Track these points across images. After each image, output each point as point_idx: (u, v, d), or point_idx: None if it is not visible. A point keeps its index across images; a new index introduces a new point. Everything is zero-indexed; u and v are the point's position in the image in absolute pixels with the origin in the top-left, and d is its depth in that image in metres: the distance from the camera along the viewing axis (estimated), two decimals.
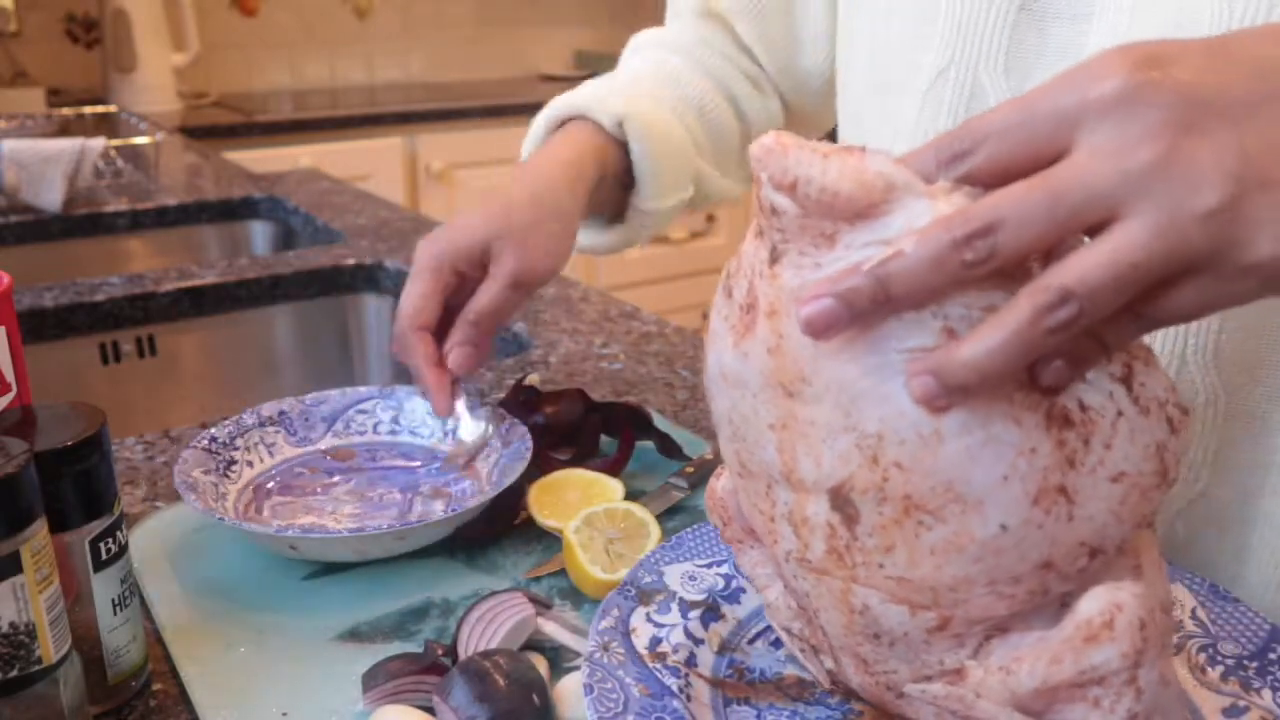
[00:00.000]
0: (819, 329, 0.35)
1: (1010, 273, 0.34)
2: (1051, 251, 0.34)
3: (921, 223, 0.34)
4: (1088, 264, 0.32)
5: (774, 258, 0.37)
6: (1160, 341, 0.52)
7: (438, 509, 0.65)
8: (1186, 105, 0.32)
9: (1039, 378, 0.34)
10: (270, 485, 0.68)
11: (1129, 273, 0.32)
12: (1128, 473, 0.36)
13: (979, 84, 0.57)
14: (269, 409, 0.72)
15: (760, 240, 0.38)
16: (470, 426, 0.72)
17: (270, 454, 0.71)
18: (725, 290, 0.40)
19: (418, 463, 0.71)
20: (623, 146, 0.74)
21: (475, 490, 0.67)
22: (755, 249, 0.38)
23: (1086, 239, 0.33)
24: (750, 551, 0.48)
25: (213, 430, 0.69)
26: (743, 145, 0.83)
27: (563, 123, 0.75)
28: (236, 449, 0.69)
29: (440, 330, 0.69)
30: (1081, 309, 0.32)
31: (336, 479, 0.70)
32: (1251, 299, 0.34)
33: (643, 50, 0.84)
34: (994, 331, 0.33)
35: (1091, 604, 0.36)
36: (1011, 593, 0.37)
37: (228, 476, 0.67)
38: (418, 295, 0.67)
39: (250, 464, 0.69)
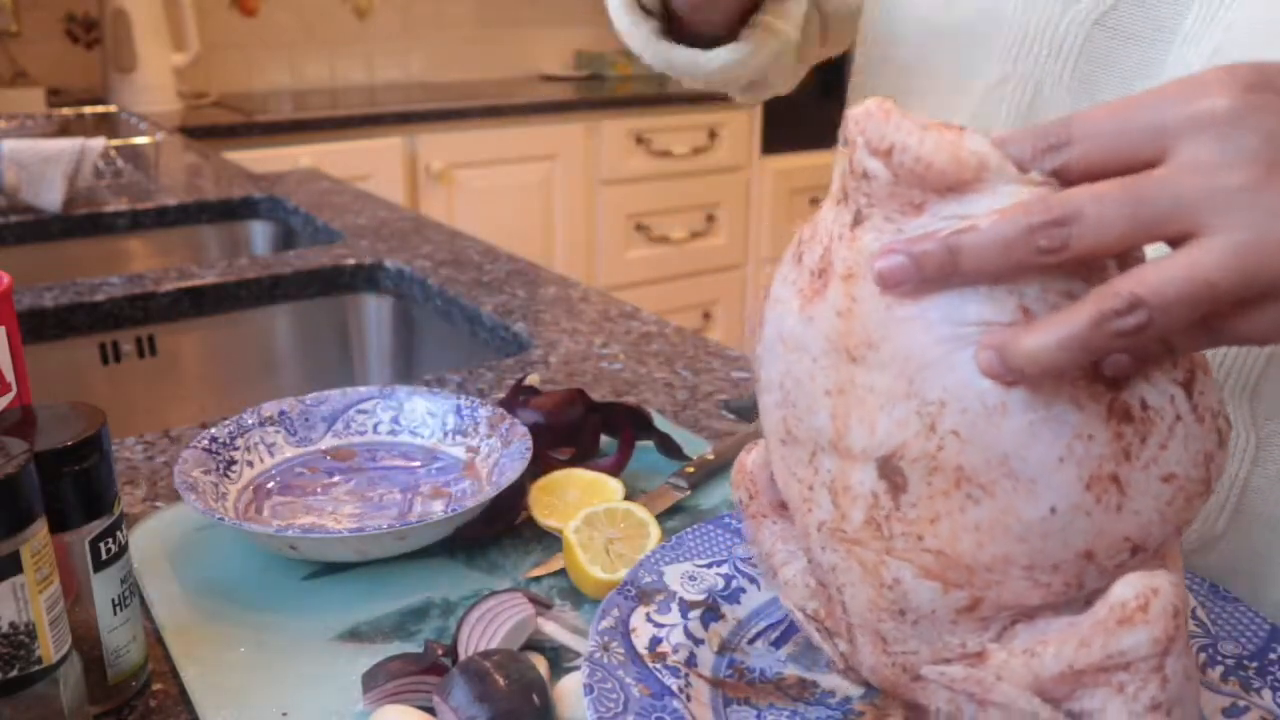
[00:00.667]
0: (889, 283, 0.36)
1: (1093, 265, 0.35)
2: (1128, 256, 0.35)
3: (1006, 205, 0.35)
4: (1164, 275, 0.32)
5: (857, 220, 0.38)
6: None
7: (437, 509, 0.65)
8: None
9: (1102, 365, 0.35)
10: (270, 485, 0.68)
11: (1204, 290, 0.32)
12: (1178, 475, 0.36)
13: (1040, 95, 0.55)
14: (269, 409, 0.72)
15: (843, 207, 0.39)
16: None
17: (270, 454, 0.71)
18: (795, 257, 0.41)
19: (418, 463, 0.71)
20: None
21: (475, 490, 0.67)
22: (835, 215, 0.39)
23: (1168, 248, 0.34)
24: (772, 526, 0.48)
25: (213, 430, 0.69)
26: (819, 32, 0.76)
27: None
28: (236, 449, 0.69)
29: None
30: (1150, 319, 0.32)
31: (336, 479, 0.70)
32: None
33: None
34: (1058, 327, 0.33)
35: (1126, 588, 0.36)
36: (1048, 581, 0.38)
37: (228, 476, 0.67)
38: None
39: (250, 464, 0.69)
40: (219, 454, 0.68)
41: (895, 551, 0.40)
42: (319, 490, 0.68)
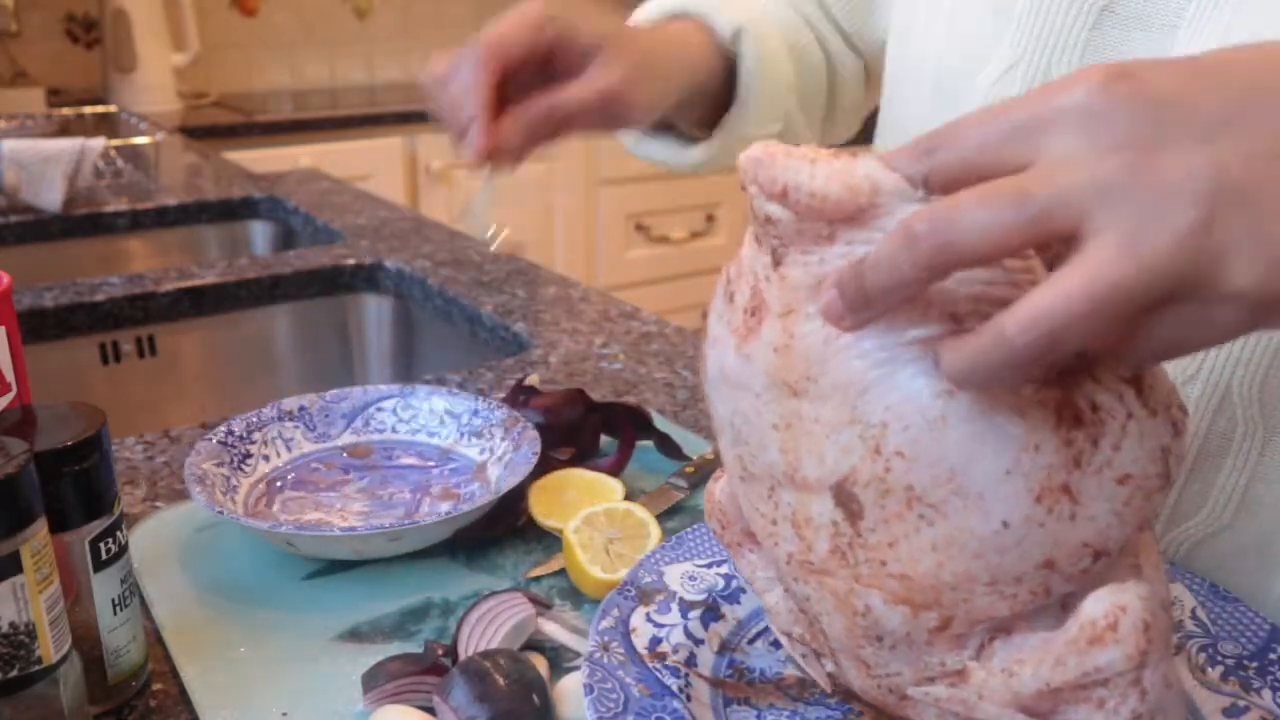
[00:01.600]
0: (831, 318, 0.35)
1: (1021, 268, 0.34)
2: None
3: None
4: (1063, 288, 0.30)
5: (776, 260, 0.38)
6: (1207, 372, 0.51)
7: (444, 510, 0.65)
8: (1155, 118, 0.31)
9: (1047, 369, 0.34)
10: (285, 480, 0.69)
11: (1109, 295, 0.30)
12: (1133, 475, 0.36)
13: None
14: (290, 404, 0.73)
15: (760, 246, 0.39)
16: (484, 207, 0.67)
17: (288, 448, 0.71)
18: (726, 295, 0.41)
19: (432, 463, 0.71)
20: (727, 61, 0.69)
21: (485, 492, 0.67)
22: (755, 254, 0.39)
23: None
24: (749, 555, 0.48)
25: (231, 423, 0.69)
26: (829, 97, 0.78)
27: (670, 19, 0.70)
28: (253, 442, 0.69)
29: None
30: (1054, 339, 0.30)
31: (351, 476, 0.70)
32: (1242, 331, 0.32)
33: None
34: (976, 344, 0.32)
35: (1095, 606, 0.36)
36: (1013, 592, 0.37)
37: (241, 470, 0.67)
38: (519, 23, 0.60)
39: (266, 458, 0.70)
40: (235, 447, 0.68)
41: (862, 579, 0.40)
42: (332, 487, 0.68)
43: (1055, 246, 0.33)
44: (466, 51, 0.60)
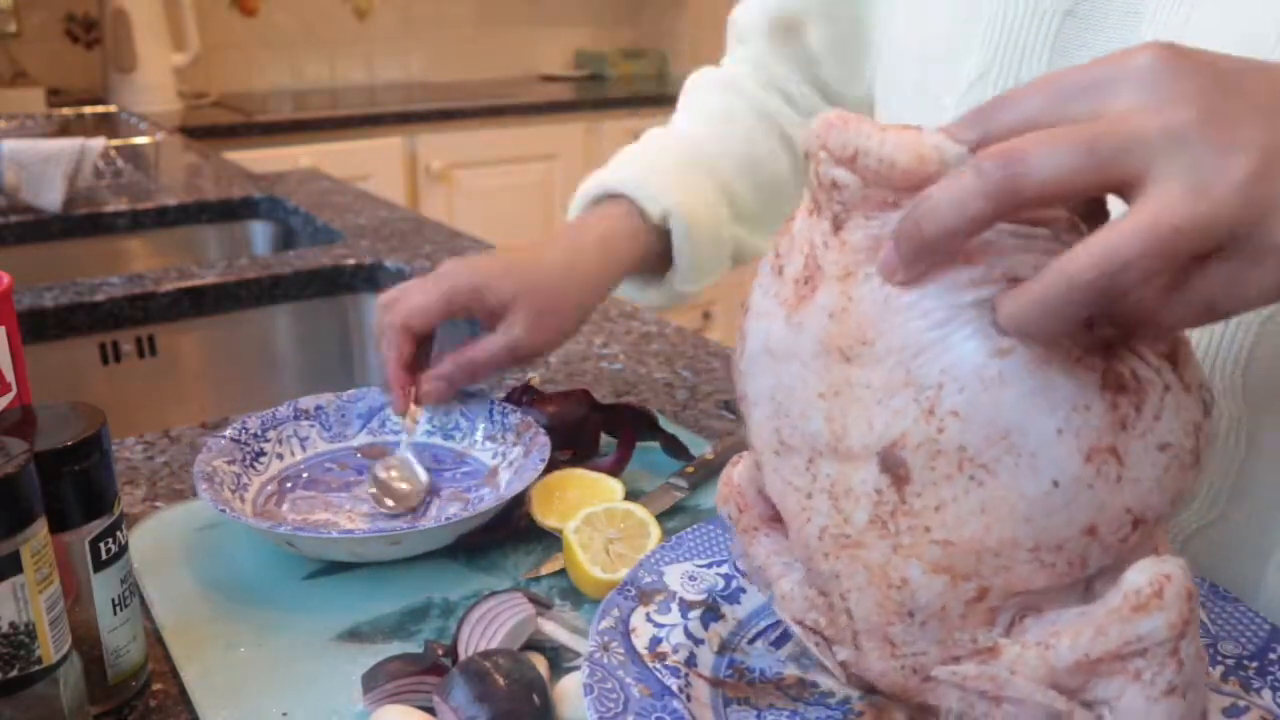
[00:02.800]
0: (886, 272, 0.37)
1: (1071, 228, 0.35)
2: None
3: None
4: (1129, 227, 0.31)
5: (837, 226, 0.39)
6: None
7: (450, 514, 0.65)
8: (1218, 84, 0.33)
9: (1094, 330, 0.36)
10: (297, 479, 0.69)
11: (1171, 237, 0.31)
12: (1172, 444, 0.37)
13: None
14: (306, 403, 0.73)
15: (817, 215, 0.39)
16: (413, 454, 0.70)
17: (303, 447, 0.71)
18: (774, 270, 0.41)
19: (445, 465, 0.71)
20: (664, 231, 0.76)
21: (494, 497, 0.66)
22: (811, 224, 0.40)
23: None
24: (764, 539, 0.48)
25: (246, 420, 0.69)
26: (797, 190, 0.83)
27: (606, 201, 0.77)
28: (268, 440, 0.70)
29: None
30: (1116, 276, 0.32)
31: (363, 477, 0.70)
32: (1266, 301, 0.34)
33: (699, 94, 0.84)
34: (1031, 292, 0.33)
35: (1139, 576, 0.36)
36: (1053, 561, 0.38)
37: (253, 468, 0.67)
38: (426, 301, 0.69)
39: (280, 456, 0.70)
40: (248, 444, 0.68)
41: (902, 548, 0.40)
42: (343, 487, 0.68)
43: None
44: (385, 325, 0.69)
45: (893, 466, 0.39)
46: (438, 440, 0.73)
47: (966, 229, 0.34)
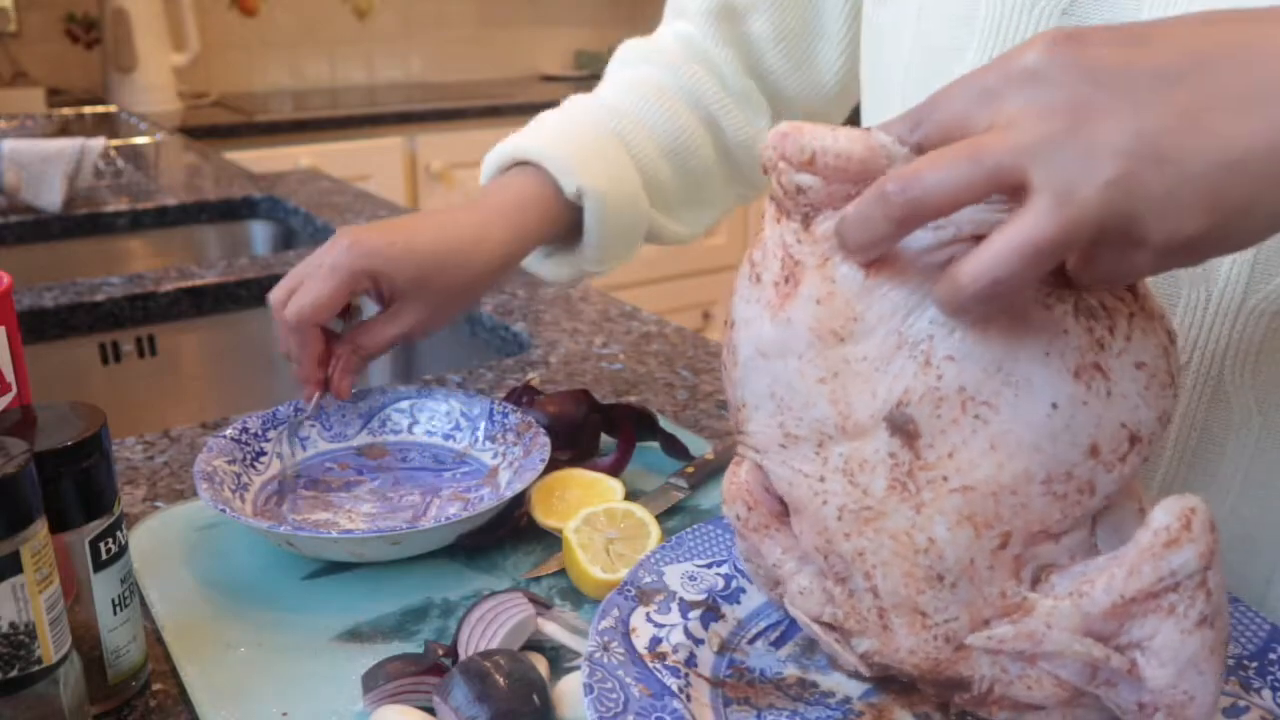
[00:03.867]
0: (849, 254, 0.40)
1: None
2: None
3: None
4: (1000, 245, 0.35)
5: (807, 223, 0.41)
6: (1197, 361, 0.52)
7: (450, 514, 0.65)
8: (1091, 82, 0.34)
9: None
10: (298, 479, 0.69)
11: (1042, 248, 0.34)
12: (1146, 363, 0.39)
13: None
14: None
15: (784, 220, 0.42)
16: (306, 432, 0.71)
17: (304, 447, 0.71)
18: (752, 279, 0.43)
19: (446, 466, 0.71)
20: (575, 206, 0.74)
21: (494, 497, 0.66)
22: (780, 229, 0.42)
23: None
24: (775, 536, 0.48)
25: (246, 420, 0.69)
26: (719, 176, 0.83)
27: (521, 167, 0.75)
28: (268, 440, 0.70)
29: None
30: (1000, 287, 0.35)
31: (364, 477, 0.70)
32: (1155, 271, 0.36)
33: (626, 67, 0.83)
34: (947, 285, 0.37)
35: (1164, 514, 0.39)
36: (1064, 491, 0.40)
37: (254, 468, 0.68)
38: (329, 294, 0.67)
39: (280, 456, 0.70)
40: (248, 444, 0.68)
41: (925, 506, 0.41)
42: (344, 487, 0.68)
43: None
44: (290, 325, 0.69)
45: (901, 424, 0.40)
46: (438, 441, 0.73)
47: (881, 244, 0.38)
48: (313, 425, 0.73)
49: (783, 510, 0.47)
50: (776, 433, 0.44)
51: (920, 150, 0.38)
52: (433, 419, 0.74)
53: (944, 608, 0.42)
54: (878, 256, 0.39)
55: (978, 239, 0.37)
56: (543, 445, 0.67)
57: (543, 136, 0.75)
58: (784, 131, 0.40)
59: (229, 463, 0.66)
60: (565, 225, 0.75)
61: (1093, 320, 0.39)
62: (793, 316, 0.42)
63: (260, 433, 0.69)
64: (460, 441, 0.73)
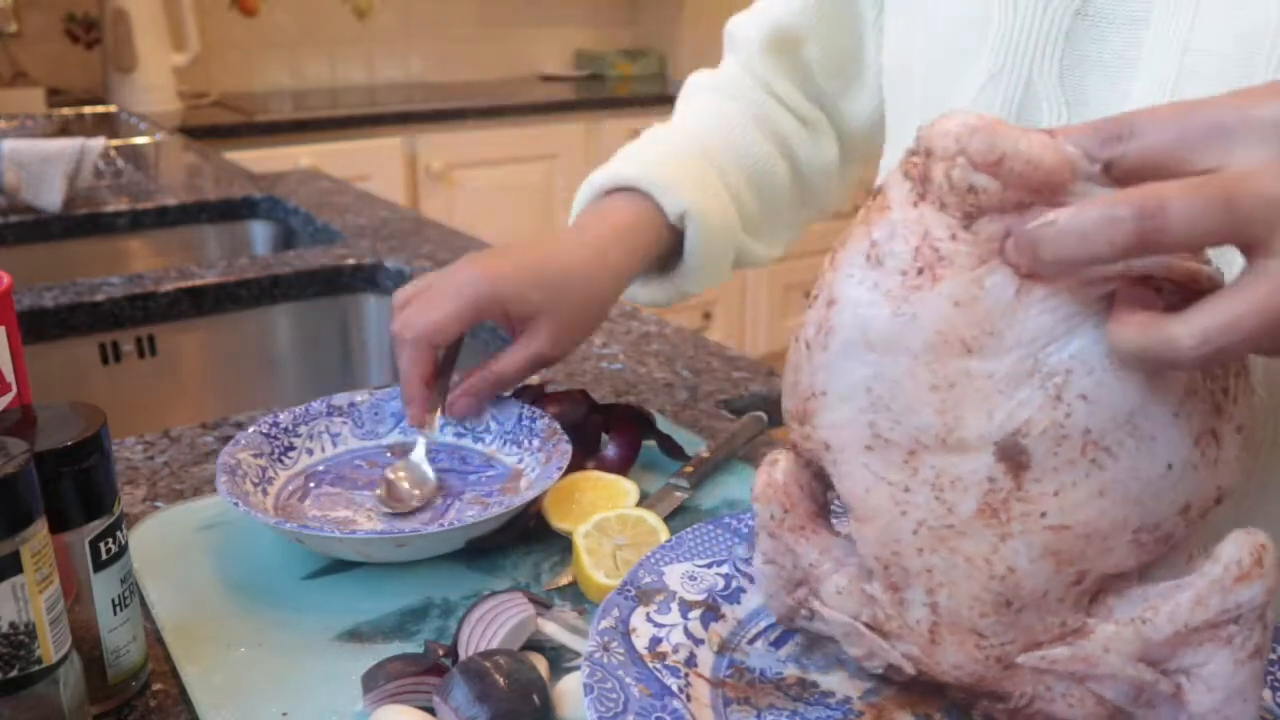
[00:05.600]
0: (1011, 263, 0.37)
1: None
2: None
3: None
4: (1241, 306, 0.32)
5: (967, 222, 0.38)
6: None
7: (467, 518, 0.65)
8: None
9: None
10: (325, 475, 0.69)
11: (1274, 316, 0.32)
12: (1245, 426, 0.39)
13: (1031, 89, 0.56)
14: (340, 399, 0.73)
15: (930, 209, 0.39)
16: (423, 460, 0.70)
17: (334, 443, 0.72)
18: (871, 259, 0.40)
19: (471, 468, 0.71)
20: (676, 230, 0.75)
21: (506, 505, 0.66)
22: (924, 215, 0.39)
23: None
24: (813, 538, 0.47)
25: (278, 414, 0.70)
26: (792, 200, 0.83)
27: (623, 193, 0.75)
28: (298, 435, 0.70)
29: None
30: (1228, 355, 0.33)
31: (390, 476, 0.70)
32: None
33: (700, 96, 0.83)
34: (1149, 336, 0.34)
35: (1237, 548, 0.39)
36: (1147, 540, 0.40)
37: (281, 462, 0.68)
38: (449, 317, 0.67)
39: (310, 451, 0.70)
40: (278, 439, 0.69)
41: (1012, 536, 0.40)
42: (369, 485, 0.68)
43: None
44: (405, 340, 0.67)
45: (1013, 455, 0.39)
46: (467, 443, 0.73)
47: (1084, 264, 0.35)
48: (344, 422, 0.73)
49: (818, 511, 0.47)
50: (864, 431, 0.42)
51: (1111, 170, 0.36)
52: (463, 420, 0.74)
53: (1003, 631, 0.42)
54: (1055, 275, 0.37)
55: (1143, 279, 0.36)
56: (564, 453, 0.66)
57: (640, 163, 0.75)
58: (973, 126, 0.37)
59: (255, 456, 0.66)
60: (667, 248, 0.76)
61: (1212, 381, 0.38)
62: (919, 313, 0.39)
63: (290, 427, 0.70)
64: (489, 443, 0.73)
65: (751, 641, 0.51)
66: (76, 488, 0.46)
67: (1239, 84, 0.48)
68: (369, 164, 2.43)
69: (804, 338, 0.43)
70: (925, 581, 0.42)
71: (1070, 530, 0.39)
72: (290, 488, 0.67)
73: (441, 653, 0.52)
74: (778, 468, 0.47)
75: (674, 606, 0.51)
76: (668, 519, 0.66)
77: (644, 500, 0.67)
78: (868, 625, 0.46)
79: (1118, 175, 0.36)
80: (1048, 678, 0.42)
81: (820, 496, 0.48)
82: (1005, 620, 0.42)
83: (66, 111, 2.11)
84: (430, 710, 0.48)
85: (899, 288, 0.39)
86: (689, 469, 0.70)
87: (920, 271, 0.39)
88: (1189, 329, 0.33)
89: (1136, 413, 0.38)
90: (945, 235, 0.38)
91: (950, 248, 0.38)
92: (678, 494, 0.69)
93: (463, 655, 0.51)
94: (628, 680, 0.45)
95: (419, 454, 0.70)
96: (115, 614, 0.49)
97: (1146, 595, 0.40)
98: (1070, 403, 0.38)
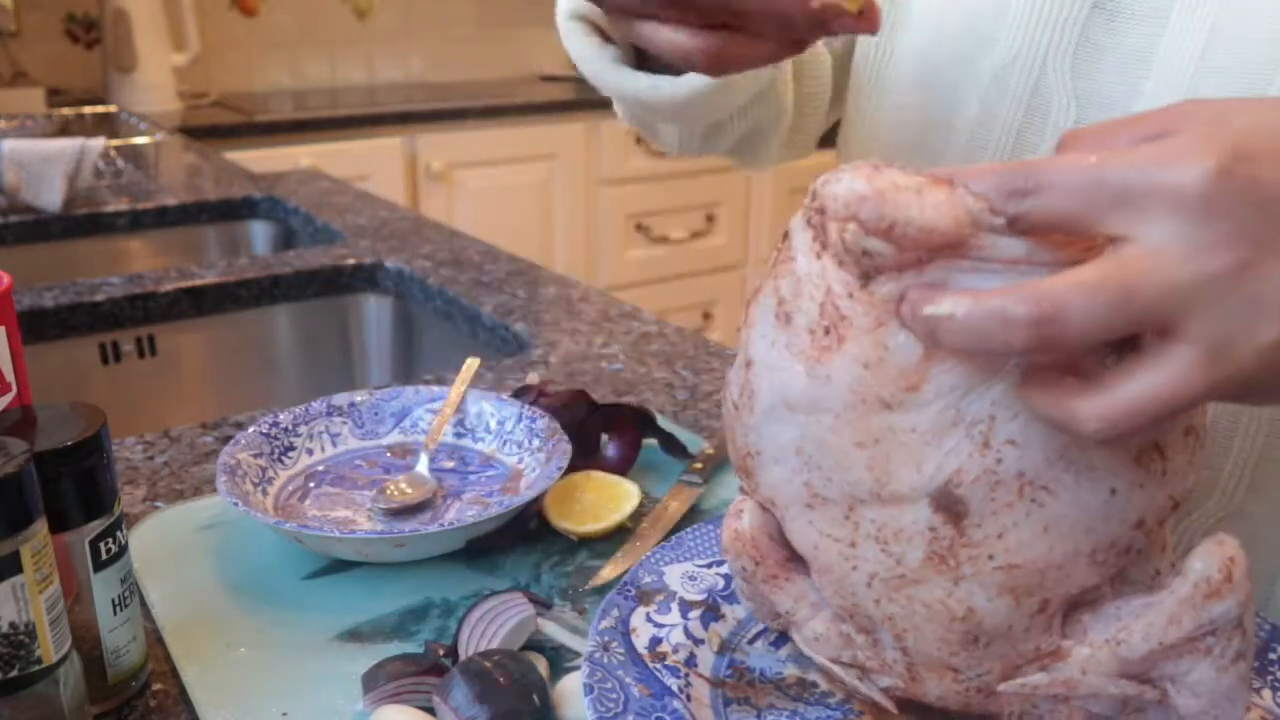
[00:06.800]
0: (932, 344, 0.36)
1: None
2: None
3: (1013, 255, 0.35)
4: (1149, 392, 0.32)
5: (865, 281, 0.37)
6: None
7: (468, 518, 0.65)
8: (1262, 218, 0.31)
9: None
10: (325, 475, 0.69)
11: (1188, 402, 0.32)
12: (1194, 425, 0.38)
13: (1045, 79, 0.56)
14: (340, 399, 0.73)
15: (830, 263, 0.38)
16: (428, 467, 0.69)
17: (334, 444, 0.72)
18: (780, 317, 0.39)
19: (472, 468, 0.71)
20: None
21: (506, 505, 0.66)
22: (824, 270, 0.38)
23: None
24: (786, 586, 0.47)
25: (278, 414, 0.70)
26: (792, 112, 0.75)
27: None
28: (298, 435, 0.70)
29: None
30: (1130, 434, 0.33)
31: (390, 476, 0.70)
32: None
33: None
34: (1057, 409, 0.34)
35: (1205, 564, 0.38)
36: (1105, 559, 0.39)
37: (281, 462, 0.68)
38: None
39: (310, 451, 0.70)
40: (278, 439, 0.69)
41: (964, 580, 0.39)
42: (369, 485, 0.68)
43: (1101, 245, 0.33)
44: None
45: (949, 504, 0.38)
46: (467, 443, 0.73)
47: (983, 354, 0.35)
48: (344, 422, 0.73)
49: (790, 556, 0.46)
50: (801, 490, 0.41)
51: (1015, 224, 0.34)
52: (463, 421, 0.74)
53: (976, 664, 0.42)
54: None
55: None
56: (564, 453, 0.66)
57: None
58: (862, 194, 0.35)
59: (255, 456, 0.66)
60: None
61: None
62: (833, 375, 0.38)
63: (291, 427, 0.70)
64: (489, 444, 0.73)
65: (751, 641, 0.51)
66: (76, 488, 0.46)
67: (1261, 83, 0.48)
68: (369, 164, 2.43)
69: (730, 398, 0.42)
70: (890, 628, 0.42)
71: (1022, 568, 0.39)
72: (290, 488, 0.67)
73: (441, 653, 0.52)
74: (743, 519, 0.46)
75: (674, 606, 0.51)
76: (687, 517, 0.66)
77: (663, 499, 0.67)
78: (850, 664, 0.46)
79: (1022, 229, 0.34)
80: (1032, 700, 0.42)
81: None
82: (976, 655, 0.41)
83: (66, 111, 2.11)
84: (430, 710, 0.48)
85: (810, 348, 0.38)
86: (698, 465, 0.70)
87: (827, 331, 0.38)
88: (1095, 410, 0.32)
89: (1070, 447, 0.37)
90: (844, 293, 0.37)
91: (849, 306, 0.37)
92: (692, 489, 0.69)
93: (463, 655, 0.51)
94: (628, 680, 0.45)
95: (421, 464, 0.70)
96: (115, 614, 0.49)
97: (1119, 613, 0.40)
98: (999, 448, 0.37)
